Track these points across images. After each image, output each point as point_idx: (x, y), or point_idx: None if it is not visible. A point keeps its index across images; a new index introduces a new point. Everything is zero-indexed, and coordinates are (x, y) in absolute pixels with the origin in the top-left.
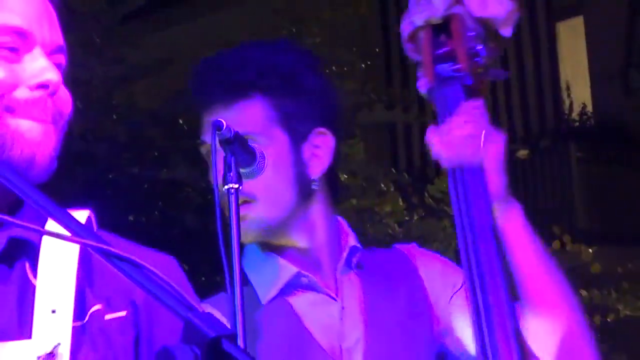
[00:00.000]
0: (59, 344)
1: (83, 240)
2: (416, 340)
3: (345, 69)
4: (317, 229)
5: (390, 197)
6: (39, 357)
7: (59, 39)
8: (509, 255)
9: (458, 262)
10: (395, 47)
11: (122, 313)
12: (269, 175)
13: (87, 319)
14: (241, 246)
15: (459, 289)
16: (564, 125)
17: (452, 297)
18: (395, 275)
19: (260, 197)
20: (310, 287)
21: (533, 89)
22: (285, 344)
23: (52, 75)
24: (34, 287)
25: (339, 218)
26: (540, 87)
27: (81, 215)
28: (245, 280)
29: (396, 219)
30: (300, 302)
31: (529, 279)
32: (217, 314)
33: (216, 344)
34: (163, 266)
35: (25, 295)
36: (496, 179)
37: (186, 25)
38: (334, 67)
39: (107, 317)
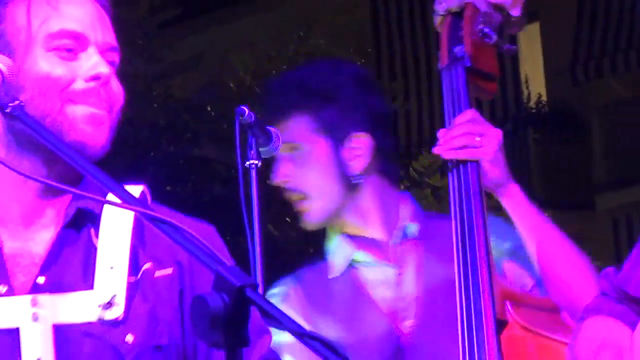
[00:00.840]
0: (115, 295)
1: (135, 208)
2: None
3: None
4: (368, 212)
5: None
6: (99, 305)
7: (111, 40)
8: (518, 228)
9: None
10: (384, 47)
11: (169, 270)
12: (316, 176)
13: (139, 275)
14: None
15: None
16: (523, 113)
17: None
18: (450, 241)
19: (312, 194)
20: (369, 261)
21: (498, 83)
22: (351, 307)
23: (104, 68)
24: (96, 248)
25: (401, 194)
26: (504, 81)
27: (136, 189)
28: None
29: None
30: (363, 273)
31: (538, 248)
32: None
33: (240, 291)
34: (203, 231)
35: (89, 255)
36: (494, 170)
37: (212, 30)
38: None
39: (157, 273)
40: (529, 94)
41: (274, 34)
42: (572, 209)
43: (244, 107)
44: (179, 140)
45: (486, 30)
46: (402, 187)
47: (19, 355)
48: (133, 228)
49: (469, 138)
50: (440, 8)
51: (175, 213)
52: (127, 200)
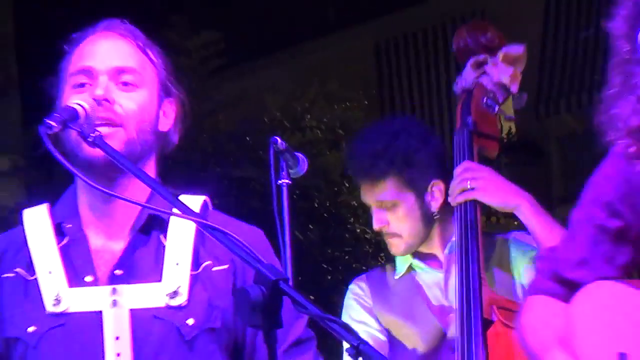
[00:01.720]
0: (180, 285)
1: (189, 217)
2: None
3: (355, 104)
4: (435, 238)
5: None
6: (166, 294)
7: (123, 63)
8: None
9: None
10: (386, 90)
11: (225, 266)
12: (407, 222)
13: (200, 270)
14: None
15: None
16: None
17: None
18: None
19: (404, 235)
20: (424, 268)
21: None
22: (409, 302)
23: (100, 92)
24: (164, 247)
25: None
26: None
27: (199, 199)
28: (390, 263)
29: None
30: (420, 277)
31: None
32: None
33: (275, 283)
34: (252, 233)
35: (159, 253)
36: (493, 200)
37: (249, 76)
38: (347, 103)
39: (214, 269)
40: (501, 126)
41: (296, 79)
42: None
43: (277, 137)
44: (225, 164)
45: (490, 102)
46: None
47: (102, 334)
48: (196, 231)
49: (463, 184)
50: (457, 89)
51: (232, 219)
52: (185, 211)
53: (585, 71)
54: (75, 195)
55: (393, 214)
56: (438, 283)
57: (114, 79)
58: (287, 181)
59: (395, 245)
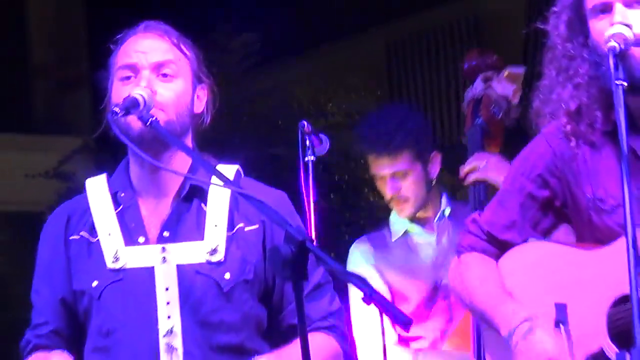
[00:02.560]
0: (218, 244)
1: (228, 186)
2: None
3: (369, 94)
4: (429, 204)
5: None
6: (207, 252)
7: (162, 58)
8: None
9: None
10: (395, 82)
11: (256, 226)
12: (415, 188)
13: (235, 230)
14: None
15: None
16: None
17: None
18: None
19: (412, 199)
20: (419, 232)
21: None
22: (405, 260)
23: (144, 83)
24: (205, 212)
25: (440, 187)
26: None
27: (233, 168)
28: (386, 228)
29: None
30: (415, 239)
31: None
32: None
33: (302, 243)
34: (278, 196)
35: (200, 217)
36: (500, 179)
37: (282, 71)
38: (362, 93)
39: (247, 229)
40: (503, 129)
41: (321, 73)
42: None
43: (304, 122)
44: (261, 144)
45: (495, 110)
46: None
47: (154, 285)
48: (230, 197)
49: (475, 164)
50: (467, 97)
51: (261, 184)
52: (224, 180)
53: None
54: (128, 168)
55: (405, 182)
56: (431, 243)
57: (154, 71)
58: (312, 158)
59: (405, 209)
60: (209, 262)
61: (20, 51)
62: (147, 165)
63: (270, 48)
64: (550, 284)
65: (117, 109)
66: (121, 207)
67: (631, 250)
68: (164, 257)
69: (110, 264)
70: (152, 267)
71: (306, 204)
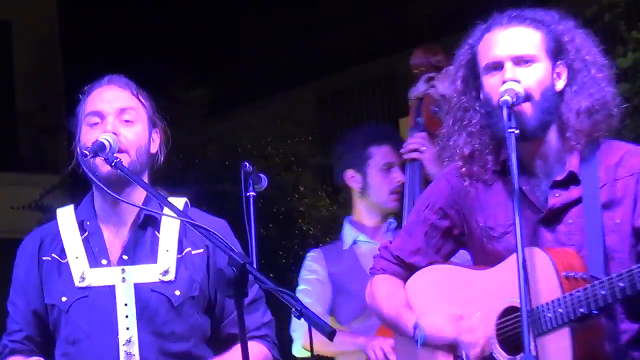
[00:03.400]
0: (169, 266)
1: (179, 217)
2: None
3: (302, 139)
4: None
5: None
6: (160, 273)
7: (124, 104)
8: None
9: None
10: (325, 130)
11: (201, 250)
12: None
13: (183, 254)
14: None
15: None
16: None
17: None
18: None
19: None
20: (369, 241)
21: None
22: (351, 268)
23: (109, 128)
24: (158, 238)
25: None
26: None
27: (181, 200)
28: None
29: None
30: (361, 248)
31: None
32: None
33: (243, 266)
34: (220, 225)
35: (154, 242)
36: (432, 168)
37: (230, 120)
38: (297, 139)
39: (193, 252)
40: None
41: (262, 121)
42: None
43: (246, 162)
44: (210, 181)
45: (435, 109)
46: None
47: (115, 301)
48: (180, 225)
49: (417, 147)
50: (411, 96)
51: (204, 213)
52: (174, 210)
53: None
54: (92, 200)
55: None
56: (374, 252)
57: (118, 117)
58: (253, 193)
59: (398, 200)
60: (161, 282)
61: (7, 99)
62: (109, 197)
63: (219, 100)
64: (450, 298)
65: (86, 152)
66: (87, 233)
67: (521, 270)
68: (124, 277)
69: (77, 283)
70: (114, 286)
71: (248, 232)
